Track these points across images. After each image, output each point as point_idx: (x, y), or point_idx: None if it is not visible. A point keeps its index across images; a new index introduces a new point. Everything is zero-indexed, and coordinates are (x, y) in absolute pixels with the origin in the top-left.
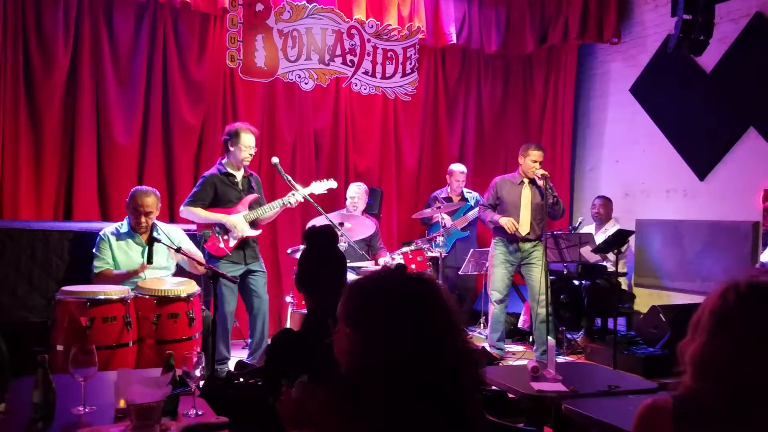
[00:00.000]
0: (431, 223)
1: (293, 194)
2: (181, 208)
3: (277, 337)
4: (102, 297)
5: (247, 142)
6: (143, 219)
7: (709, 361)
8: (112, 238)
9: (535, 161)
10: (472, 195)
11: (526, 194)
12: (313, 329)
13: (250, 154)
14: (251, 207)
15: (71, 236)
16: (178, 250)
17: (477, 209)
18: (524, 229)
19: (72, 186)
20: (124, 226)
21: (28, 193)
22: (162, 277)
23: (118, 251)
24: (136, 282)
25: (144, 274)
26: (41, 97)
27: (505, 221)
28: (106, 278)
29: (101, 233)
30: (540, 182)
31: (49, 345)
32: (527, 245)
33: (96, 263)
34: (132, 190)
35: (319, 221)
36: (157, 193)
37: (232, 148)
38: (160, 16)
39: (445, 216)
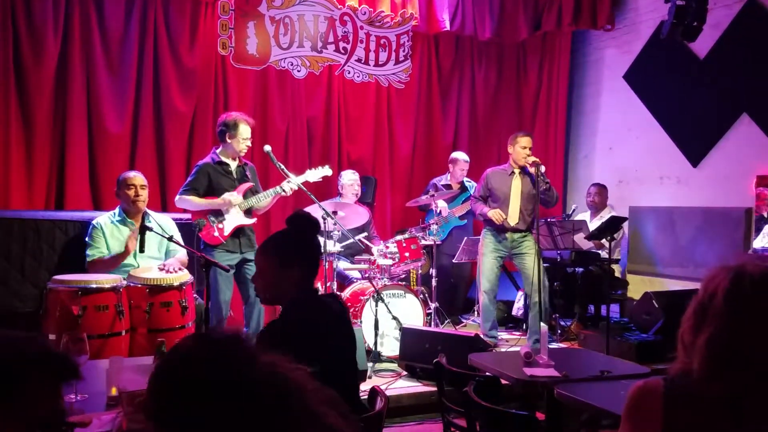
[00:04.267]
0: (428, 209)
1: (287, 182)
2: (177, 197)
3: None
4: (94, 286)
5: (246, 133)
6: (140, 192)
7: (728, 347)
8: (106, 227)
9: (525, 147)
10: (472, 184)
11: (517, 184)
12: (293, 315)
13: (247, 146)
14: (245, 196)
15: (62, 225)
16: (171, 239)
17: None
18: (513, 219)
19: (63, 175)
20: (116, 214)
21: (19, 182)
22: (154, 266)
23: (111, 239)
24: (128, 271)
25: (137, 262)
26: (31, 85)
27: (492, 213)
28: (99, 264)
29: (94, 222)
30: (531, 169)
31: (40, 334)
32: (516, 235)
33: (89, 251)
34: (118, 177)
35: (312, 210)
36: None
37: (230, 140)
38: (150, 2)
39: (441, 203)
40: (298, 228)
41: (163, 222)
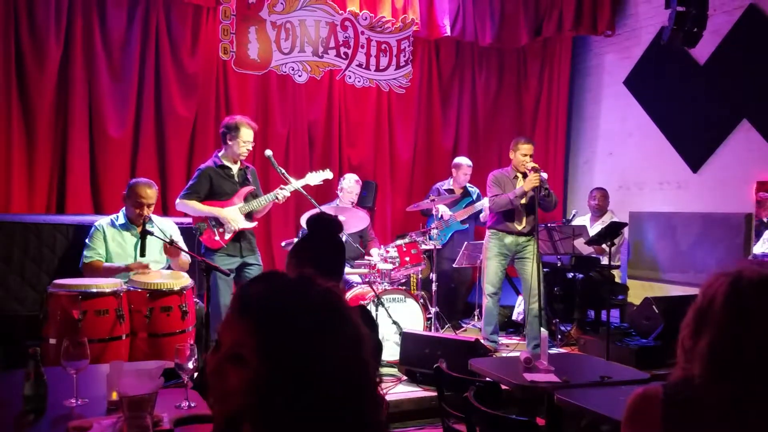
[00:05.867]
0: (429, 214)
1: (281, 188)
2: (177, 200)
3: None
4: (94, 290)
5: (246, 137)
6: (145, 210)
7: (729, 352)
8: (107, 230)
9: (526, 154)
10: (474, 189)
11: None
12: None
13: (248, 149)
14: (246, 199)
15: (63, 229)
16: (171, 243)
17: (479, 203)
18: (520, 223)
19: (65, 179)
20: (120, 217)
21: (21, 186)
22: (163, 272)
23: (113, 243)
24: (128, 275)
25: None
26: (33, 90)
27: (528, 180)
28: (95, 269)
29: (96, 224)
30: (531, 175)
31: (41, 338)
32: (521, 239)
33: (86, 253)
34: (131, 182)
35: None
36: (155, 183)
37: (230, 142)
38: (152, 8)
39: (442, 207)
40: (314, 229)
41: (165, 226)
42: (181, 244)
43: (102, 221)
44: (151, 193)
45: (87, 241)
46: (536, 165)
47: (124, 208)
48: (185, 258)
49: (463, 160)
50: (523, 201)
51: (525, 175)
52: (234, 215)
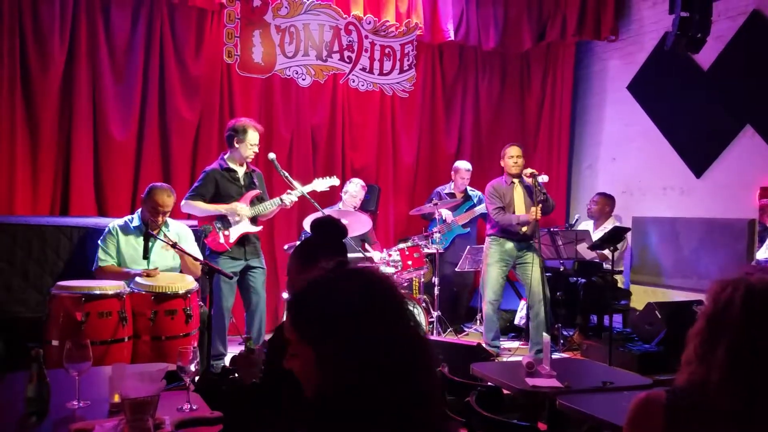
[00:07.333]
0: (431, 218)
1: (288, 193)
2: (183, 202)
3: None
4: (97, 292)
5: (253, 139)
6: (160, 218)
7: (748, 357)
8: (120, 233)
9: (512, 156)
10: (475, 193)
11: (519, 194)
12: None
13: (255, 152)
14: (252, 203)
15: (67, 231)
16: (174, 245)
17: (479, 207)
18: (523, 228)
19: (68, 181)
20: (135, 219)
21: (24, 187)
22: (166, 274)
23: (126, 245)
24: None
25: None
26: (38, 92)
27: (530, 213)
28: (107, 273)
29: (110, 226)
30: (529, 180)
31: (43, 340)
32: (523, 244)
33: (100, 255)
34: (150, 186)
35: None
36: (173, 190)
37: (237, 145)
38: (156, 11)
39: (445, 211)
40: (319, 233)
41: (181, 231)
42: (194, 247)
43: (115, 223)
44: (168, 201)
45: (100, 242)
46: (534, 170)
47: (140, 210)
48: (194, 262)
49: (461, 164)
50: (525, 229)
51: (522, 180)
52: (241, 207)
